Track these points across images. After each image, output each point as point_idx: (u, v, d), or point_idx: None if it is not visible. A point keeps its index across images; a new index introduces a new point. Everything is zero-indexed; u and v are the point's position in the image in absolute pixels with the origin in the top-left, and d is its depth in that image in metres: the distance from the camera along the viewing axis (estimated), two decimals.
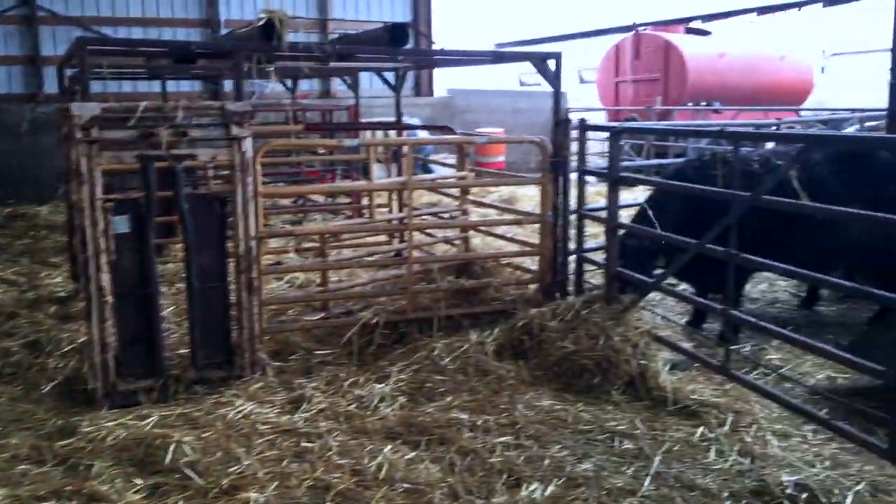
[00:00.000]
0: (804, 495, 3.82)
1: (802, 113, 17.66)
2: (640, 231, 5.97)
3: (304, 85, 16.66)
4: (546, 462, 4.21)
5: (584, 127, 6.46)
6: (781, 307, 7.36)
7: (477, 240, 8.92)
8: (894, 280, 5.59)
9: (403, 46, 6.41)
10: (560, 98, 6.58)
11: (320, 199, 12.30)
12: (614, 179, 5.88)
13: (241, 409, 4.76)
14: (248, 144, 5.10)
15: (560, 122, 6.41)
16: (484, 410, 4.82)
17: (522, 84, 33.17)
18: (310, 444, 4.36)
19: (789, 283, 7.75)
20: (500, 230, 8.45)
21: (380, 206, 9.53)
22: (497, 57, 7.89)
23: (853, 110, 13.97)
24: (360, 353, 5.73)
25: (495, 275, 6.98)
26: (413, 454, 4.27)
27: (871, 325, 6.34)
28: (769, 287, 7.84)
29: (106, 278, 4.85)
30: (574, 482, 4.01)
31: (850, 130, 12.74)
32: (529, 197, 12.98)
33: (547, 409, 4.87)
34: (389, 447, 4.31)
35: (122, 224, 4.93)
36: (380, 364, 5.54)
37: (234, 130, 5.01)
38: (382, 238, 8.58)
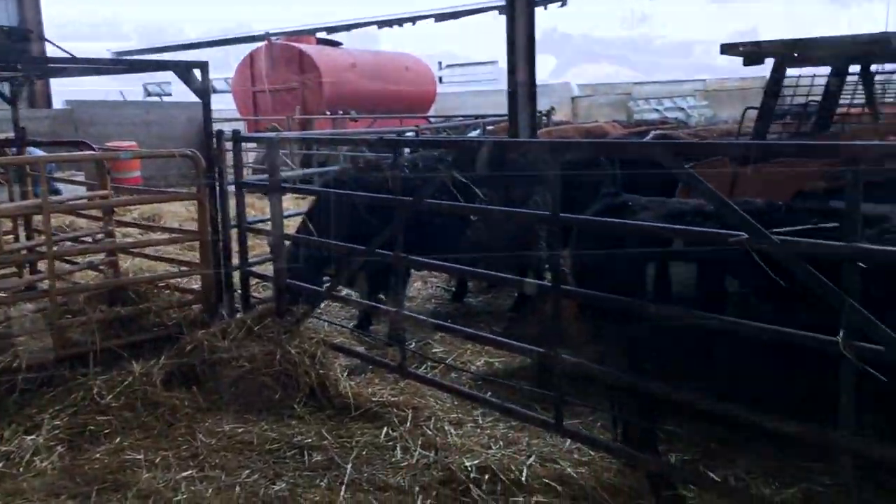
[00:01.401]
0: (486, 476, 4.09)
1: (432, 120, 19.06)
2: (307, 241, 5.95)
3: None
4: (237, 490, 4.04)
5: (238, 138, 6.27)
6: (437, 302, 7.86)
7: (126, 263, 8.22)
8: (529, 268, 6.29)
9: (24, 52, 5.67)
10: (209, 109, 6.31)
11: None
12: (275, 190, 5.79)
13: None
14: None
15: (212, 134, 6.15)
16: (160, 446, 4.50)
17: (149, 94, 31.56)
18: None
19: (440, 279, 8.30)
20: (150, 251, 7.87)
21: (5, 233, 8.36)
22: (135, 65, 7.36)
23: (476, 116, 15.46)
24: (1, 403, 4.97)
25: (153, 299, 6.48)
26: None
27: (515, 311, 7.00)
28: (423, 284, 8.32)
29: None
30: None
31: (474, 134, 14.08)
32: (174, 213, 12.34)
33: (229, 433, 4.66)
34: None
35: None
36: (27, 413, 4.87)
37: None
38: (11, 270, 7.54)
